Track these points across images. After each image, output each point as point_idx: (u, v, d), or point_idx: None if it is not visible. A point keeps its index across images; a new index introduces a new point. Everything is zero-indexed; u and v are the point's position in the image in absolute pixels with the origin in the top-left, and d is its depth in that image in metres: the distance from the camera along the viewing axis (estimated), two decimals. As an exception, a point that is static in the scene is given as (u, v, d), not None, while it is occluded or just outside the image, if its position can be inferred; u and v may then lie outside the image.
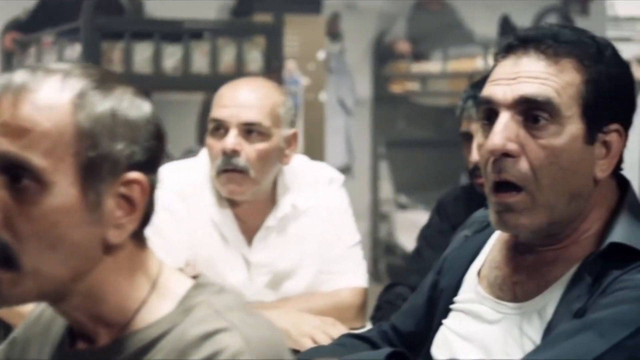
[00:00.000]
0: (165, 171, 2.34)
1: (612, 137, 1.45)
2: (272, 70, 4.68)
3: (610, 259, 1.40)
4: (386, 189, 7.83)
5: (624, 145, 1.46)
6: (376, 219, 7.76)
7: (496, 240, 1.59)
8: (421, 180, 7.77)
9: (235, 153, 2.22)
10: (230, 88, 2.31)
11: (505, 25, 6.49)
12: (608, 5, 4.98)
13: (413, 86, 7.11)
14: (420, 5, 7.44)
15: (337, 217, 2.41)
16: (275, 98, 2.29)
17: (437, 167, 7.77)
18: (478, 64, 6.28)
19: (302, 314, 2.19)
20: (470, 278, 1.59)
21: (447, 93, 6.74)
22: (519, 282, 1.49)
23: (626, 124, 1.47)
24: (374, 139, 7.72)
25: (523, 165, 1.41)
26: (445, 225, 2.48)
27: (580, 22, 5.15)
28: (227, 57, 4.67)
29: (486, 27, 7.02)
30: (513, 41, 1.46)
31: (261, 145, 2.25)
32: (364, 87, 7.62)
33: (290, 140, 2.32)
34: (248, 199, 2.29)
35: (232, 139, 2.22)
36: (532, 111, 1.41)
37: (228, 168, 2.24)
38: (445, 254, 1.71)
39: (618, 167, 1.48)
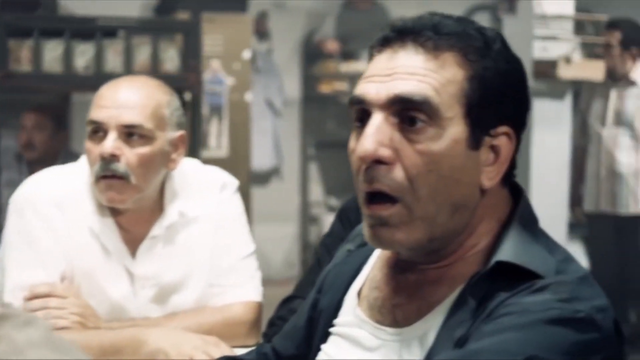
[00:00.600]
0: (43, 177, 2.19)
1: (501, 141, 1.27)
2: (190, 69, 4.49)
3: (497, 279, 1.22)
4: (316, 191, 7.68)
5: (515, 149, 1.30)
6: (306, 222, 7.61)
7: (377, 257, 1.42)
8: (352, 182, 7.61)
9: (114, 158, 2.03)
10: (110, 87, 2.11)
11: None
12: (535, 3, 4.87)
13: (342, 86, 6.97)
14: (349, 4, 7.30)
15: (229, 226, 2.22)
16: (159, 98, 2.11)
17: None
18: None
19: (183, 333, 2.01)
20: (350, 298, 1.41)
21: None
22: (399, 304, 1.31)
23: (517, 125, 1.30)
24: (303, 140, 7.56)
25: (398, 173, 1.23)
26: (348, 234, 2.31)
27: (508, 21, 5.04)
28: (142, 56, 4.48)
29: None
30: (389, 33, 1.30)
31: (143, 150, 2.06)
32: (292, 87, 7.47)
33: (177, 144, 2.14)
34: (130, 207, 2.10)
35: (110, 143, 2.03)
36: (408, 112, 1.23)
37: (107, 174, 2.05)
38: (327, 269, 1.54)
39: (510, 174, 1.32)
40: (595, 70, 4.90)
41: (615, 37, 5.00)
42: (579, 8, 5.14)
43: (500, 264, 1.23)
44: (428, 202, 1.22)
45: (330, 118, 7.69)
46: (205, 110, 5.63)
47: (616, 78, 5.06)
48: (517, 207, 1.32)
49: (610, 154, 5.01)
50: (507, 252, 1.24)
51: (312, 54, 7.34)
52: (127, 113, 2.04)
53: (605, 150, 5.03)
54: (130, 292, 2.14)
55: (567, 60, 4.77)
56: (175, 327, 2.06)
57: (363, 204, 1.27)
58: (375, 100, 1.25)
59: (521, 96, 1.30)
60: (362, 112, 1.27)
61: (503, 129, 1.27)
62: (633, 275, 5.08)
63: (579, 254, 5.89)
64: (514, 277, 1.22)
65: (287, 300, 2.29)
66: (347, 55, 7.11)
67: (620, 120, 5.02)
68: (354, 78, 6.80)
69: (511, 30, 5.07)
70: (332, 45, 7.01)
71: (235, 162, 6.43)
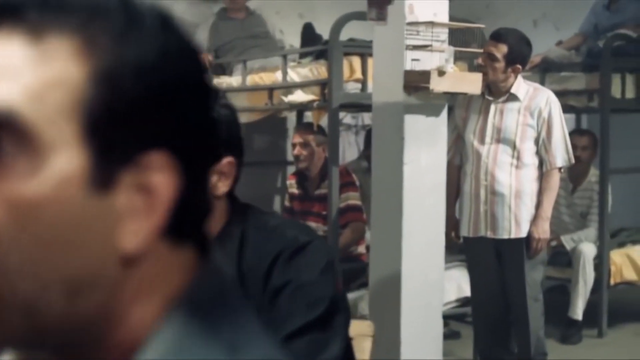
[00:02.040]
0: None
1: (155, 177, 0.80)
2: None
3: None
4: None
5: (188, 189, 0.82)
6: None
7: None
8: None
9: None
10: None
11: (308, 33, 5.94)
12: (407, 10, 4.47)
13: (213, 102, 6.47)
14: (223, 14, 6.83)
15: None
16: None
17: (247, 190, 7.16)
18: (278, 76, 5.70)
19: None
20: None
21: (246, 108, 6.13)
22: None
23: (186, 151, 0.80)
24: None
25: None
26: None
27: (379, 30, 4.62)
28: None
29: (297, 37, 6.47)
30: None
31: None
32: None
33: None
34: None
35: None
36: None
37: None
38: None
39: (184, 226, 0.84)
40: (472, 83, 4.50)
41: (501, 50, 4.61)
42: (460, 18, 4.75)
43: None
44: (21, 279, 0.74)
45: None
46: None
47: (496, 92, 4.67)
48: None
49: (489, 173, 4.62)
50: (156, 348, 0.76)
51: (184, 67, 6.83)
52: None
53: (484, 169, 4.63)
54: None
55: (441, 72, 4.36)
56: None
57: None
58: None
59: (191, 106, 0.82)
60: None
61: (156, 157, 0.79)
62: (515, 303, 4.68)
63: (462, 280, 5.49)
64: None
65: None
66: (222, 68, 6.63)
67: (501, 137, 4.62)
68: (225, 93, 6.32)
69: (382, 40, 4.66)
70: (203, 59, 6.50)
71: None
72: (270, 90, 5.75)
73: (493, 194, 4.60)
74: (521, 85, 4.67)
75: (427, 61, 4.45)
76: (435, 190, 4.61)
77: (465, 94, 4.67)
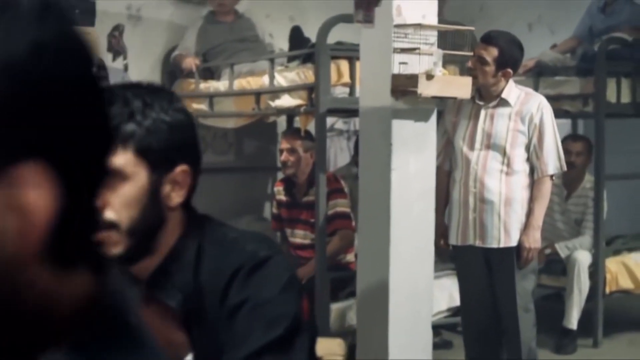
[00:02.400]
0: None
1: (30, 194, 0.65)
2: None
3: None
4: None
5: (72, 206, 0.68)
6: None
7: None
8: (219, 210, 7.02)
9: None
10: None
11: (297, 36, 5.83)
12: (395, 12, 4.35)
13: (201, 106, 6.35)
14: (211, 17, 6.71)
15: None
16: None
17: (236, 197, 7.05)
18: (265, 81, 5.58)
19: None
20: None
21: (233, 113, 6.02)
22: None
23: (67, 161, 0.69)
24: (164, 166, 6.90)
25: None
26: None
27: (366, 32, 4.50)
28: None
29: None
30: None
31: None
32: (151, 107, 6.81)
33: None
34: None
35: None
36: None
37: None
38: None
39: (70, 249, 0.71)
40: (462, 87, 4.38)
41: (491, 53, 4.48)
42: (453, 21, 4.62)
43: None
44: None
45: (194, 141, 7.07)
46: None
47: (487, 97, 4.55)
48: None
49: (479, 180, 4.49)
50: None
51: (173, 72, 6.71)
52: None
53: (473, 175, 4.51)
54: None
55: (429, 76, 4.24)
56: None
57: None
58: None
59: (72, 109, 0.70)
60: None
61: (30, 170, 0.65)
62: (506, 314, 4.55)
63: (454, 289, 5.35)
64: None
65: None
66: (210, 72, 6.51)
67: (491, 142, 4.50)
68: (212, 97, 6.21)
69: (369, 43, 4.54)
70: (189, 62, 6.39)
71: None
72: (258, 94, 5.63)
73: (482, 201, 4.47)
74: (512, 90, 4.54)
75: (415, 65, 4.33)
76: (424, 197, 4.48)
77: (454, 99, 4.55)
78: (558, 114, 6.37)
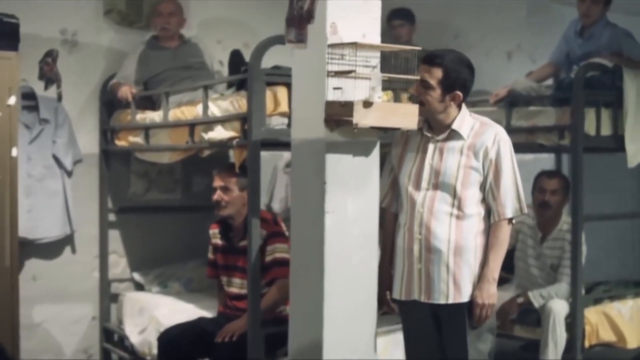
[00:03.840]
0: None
1: None
2: None
3: None
4: (119, 264, 6.43)
5: None
6: (106, 303, 6.33)
7: None
8: (164, 253, 6.43)
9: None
10: None
11: (237, 61, 5.23)
12: (329, 29, 3.76)
13: (137, 139, 5.76)
14: (154, 43, 6.13)
15: None
16: None
17: (183, 239, 6.45)
18: (200, 110, 4.98)
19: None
20: None
21: (168, 147, 5.41)
22: None
23: None
24: (103, 204, 6.31)
25: None
26: None
27: (299, 54, 3.91)
28: None
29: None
30: None
31: None
32: (88, 140, 6.24)
33: None
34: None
35: None
36: None
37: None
38: None
39: None
40: (406, 116, 3.78)
41: (434, 75, 3.85)
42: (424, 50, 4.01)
43: None
44: None
45: (137, 177, 6.48)
46: None
47: (436, 127, 3.93)
48: None
49: (424, 225, 3.85)
50: None
51: (111, 101, 6.13)
52: None
53: (418, 219, 3.86)
54: None
55: (367, 103, 3.64)
56: None
57: None
58: None
59: None
60: None
61: None
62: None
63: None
64: None
65: None
66: (149, 102, 5.92)
67: (439, 181, 3.86)
68: (147, 129, 5.61)
69: (302, 67, 3.95)
70: (124, 91, 5.81)
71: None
72: (192, 126, 5.03)
73: (428, 250, 3.83)
74: (465, 120, 3.91)
75: (350, 90, 3.73)
76: (365, 244, 3.87)
77: (398, 129, 3.94)
78: (532, 147, 5.82)
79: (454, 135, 3.88)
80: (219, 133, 4.69)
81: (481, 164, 3.82)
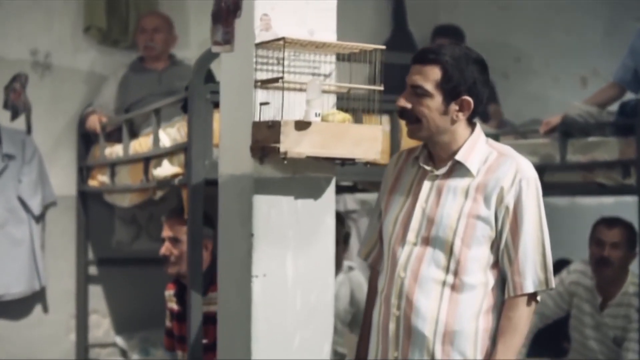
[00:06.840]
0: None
1: None
2: None
3: None
4: (101, 326, 5.49)
5: None
6: (85, 371, 5.39)
7: None
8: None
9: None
10: None
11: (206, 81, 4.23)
12: (259, 24, 2.73)
13: (104, 178, 4.82)
14: (138, 65, 5.20)
15: None
16: None
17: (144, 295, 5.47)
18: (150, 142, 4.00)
19: None
20: None
21: (126, 188, 4.44)
22: None
23: None
24: (80, 255, 5.38)
25: None
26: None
27: (227, 59, 2.88)
28: None
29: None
30: None
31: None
32: (63, 180, 5.33)
33: None
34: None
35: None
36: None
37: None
38: None
39: None
40: (364, 143, 2.70)
41: (430, 77, 2.57)
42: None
43: None
44: None
45: (121, 223, 5.54)
46: None
47: (438, 156, 2.75)
48: None
49: (405, 296, 2.68)
50: None
51: (88, 134, 5.21)
52: None
53: (397, 287, 2.71)
54: None
55: (302, 123, 2.57)
56: None
57: None
58: None
59: None
60: None
61: None
62: None
63: None
64: None
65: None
66: (131, 132, 4.98)
67: (431, 234, 2.67)
68: (113, 166, 4.66)
69: (229, 76, 2.92)
70: (92, 121, 4.88)
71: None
72: (147, 161, 4.04)
73: (407, 332, 2.62)
74: (477, 147, 2.69)
75: (282, 107, 2.68)
76: (311, 320, 2.79)
77: (352, 161, 2.80)
78: (589, 188, 4.63)
79: (459, 168, 2.67)
80: (165, 169, 3.69)
81: (493, 213, 2.59)
